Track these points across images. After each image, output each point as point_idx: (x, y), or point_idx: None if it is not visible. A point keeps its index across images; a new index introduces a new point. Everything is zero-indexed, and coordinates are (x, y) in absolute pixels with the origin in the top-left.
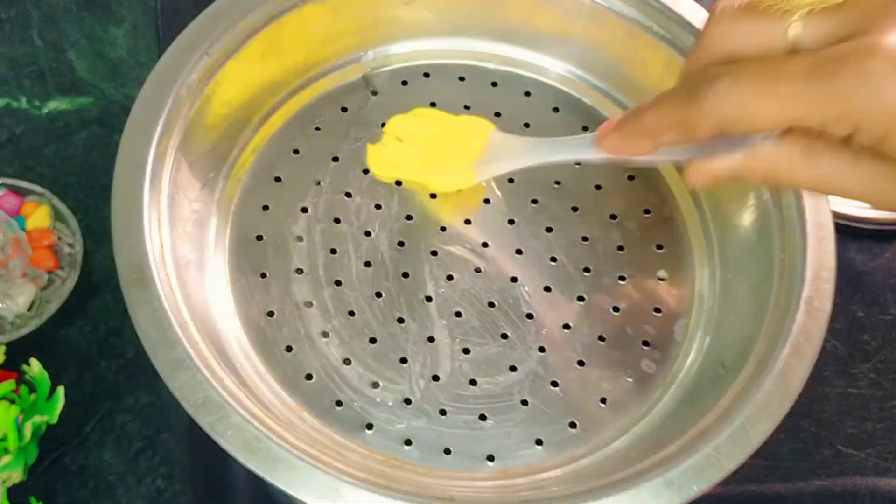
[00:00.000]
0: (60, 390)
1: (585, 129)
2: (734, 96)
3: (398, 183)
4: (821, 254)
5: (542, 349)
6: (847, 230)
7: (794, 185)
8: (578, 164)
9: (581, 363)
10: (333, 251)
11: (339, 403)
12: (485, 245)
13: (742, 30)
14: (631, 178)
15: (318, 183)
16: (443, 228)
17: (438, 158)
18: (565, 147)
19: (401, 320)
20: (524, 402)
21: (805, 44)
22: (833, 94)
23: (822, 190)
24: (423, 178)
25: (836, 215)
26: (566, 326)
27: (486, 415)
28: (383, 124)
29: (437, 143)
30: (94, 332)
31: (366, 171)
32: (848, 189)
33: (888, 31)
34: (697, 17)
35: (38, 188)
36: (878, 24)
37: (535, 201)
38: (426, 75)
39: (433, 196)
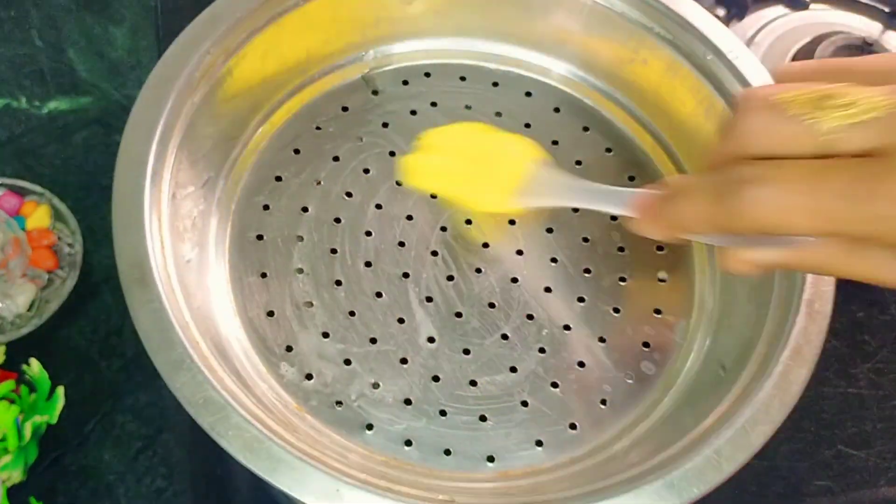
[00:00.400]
0: (60, 390)
1: (586, 129)
2: (771, 205)
3: (433, 196)
4: None
5: (542, 350)
6: None
7: (844, 276)
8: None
9: (581, 364)
10: (334, 251)
11: (339, 403)
12: (485, 245)
13: (773, 128)
14: (632, 178)
15: (319, 182)
16: (443, 229)
17: (478, 176)
18: (608, 199)
19: (401, 320)
20: (524, 403)
21: (839, 148)
22: (872, 214)
23: (873, 281)
24: (462, 195)
25: None
26: (566, 327)
27: (487, 415)
28: (416, 136)
29: (478, 160)
30: (94, 332)
31: (366, 171)
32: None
33: None
34: (699, 18)
35: (37, 188)
36: None
37: None
38: (427, 75)
39: (434, 196)
